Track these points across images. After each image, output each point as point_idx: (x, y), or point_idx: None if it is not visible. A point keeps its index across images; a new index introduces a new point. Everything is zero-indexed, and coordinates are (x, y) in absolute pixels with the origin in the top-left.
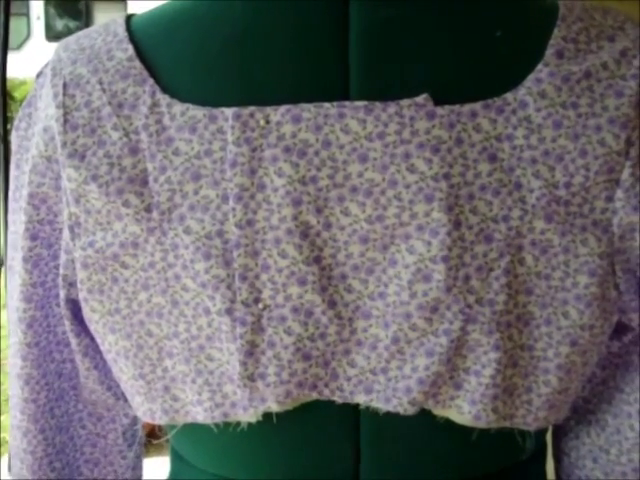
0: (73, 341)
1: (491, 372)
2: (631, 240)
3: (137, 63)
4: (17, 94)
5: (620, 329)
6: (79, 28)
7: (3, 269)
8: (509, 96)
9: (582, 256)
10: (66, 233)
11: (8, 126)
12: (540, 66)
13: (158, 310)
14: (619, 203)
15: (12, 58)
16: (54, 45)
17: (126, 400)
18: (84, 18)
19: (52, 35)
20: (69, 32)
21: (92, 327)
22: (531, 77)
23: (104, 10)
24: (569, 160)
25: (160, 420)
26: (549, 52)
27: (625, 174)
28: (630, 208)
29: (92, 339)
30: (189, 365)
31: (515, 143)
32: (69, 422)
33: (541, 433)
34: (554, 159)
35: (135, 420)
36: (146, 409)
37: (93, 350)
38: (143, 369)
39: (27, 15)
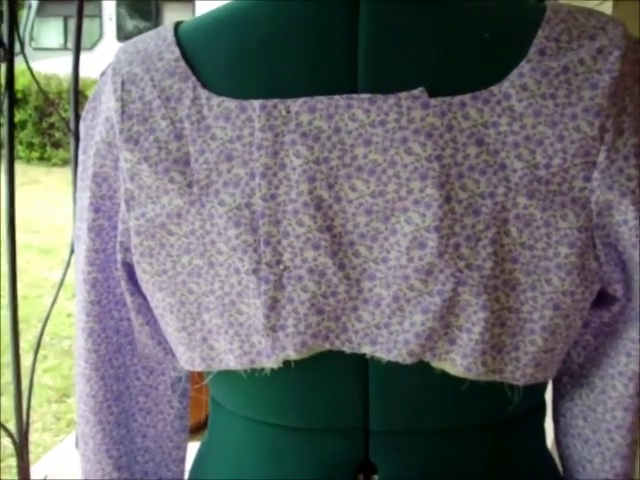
0: (128, 299)
1: (480, 329)
2: (609, 216)
3: (182, 63)
4: (90, 93)
5: (608, 300)
6: (149, 28)
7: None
8: (494, 89)
9: (562, 229)
10: (123, 206)
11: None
12: (523, 62)
13: (197, 270)
14: (596, 183)
15: (85, 58)
16: None
17: (174, 355)
18: (154, 18)
19: (123, 35)
20: (139, 32)
21: (143, 286)
22: (515, 72)
23: (173, 10)
24: (548, 144)
25: (199, 367)
26: (532, 50)
27: (601, 157)
28: (606, 187)
29: (144, 298)
30: (223, 318)
31: (500, 129)
32: (126, 373)
33: (536, 391)
34: (534, 143)
35: (182, 374)
36: (187, 357)
37: (145, 308)
38: (185, 322)
39: (99, 16)
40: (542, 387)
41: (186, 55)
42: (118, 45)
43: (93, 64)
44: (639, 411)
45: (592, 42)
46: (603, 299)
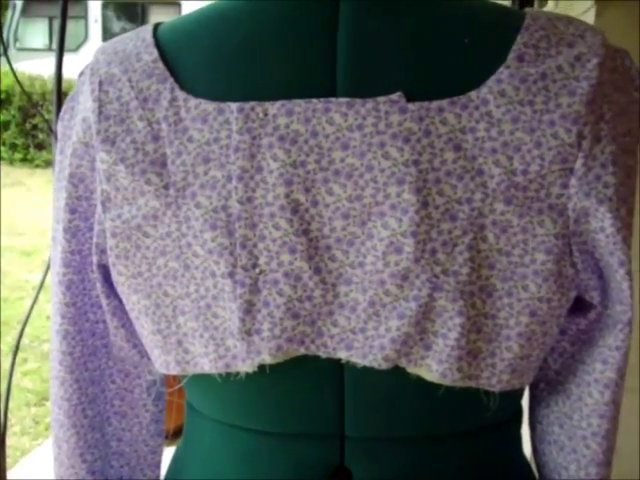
0: (104, 302)
1: (456, 335)
2: (586, 223)
3: (160, 64)
4: None
5: (585, 307)
6: None
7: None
8: (473, 94)
9: (539, 236)
10: (99, 207)
11: None
12: (502, 68)
13: (173, 273)
14: (573, 190)
15: (70, 60)
16: None
17: (149, 358)
18: (140, 21)
19: (109, 38)
20: None
21: (119, 289)
22: (493, 78)
23: (159, 13)
24: (525, 150)
25: (173, 370)
26: (511, 56)
27: (578, 164)
28: (583, 194)
29: (120, 301)
30: (198, 321)
31: (477, 135)
32: (101, 376)
33: (513, 398)
34: (512, 149)
35: (157, 378)
36: (162, 361)
37: (121, 311)
38: (160, 325)
39: (85, 18)
40: (518, 394)
41: (165, 56)
42: None
43: (78, 66)
44: (615, 419)
45: (570, 49)
46: (580, 306)
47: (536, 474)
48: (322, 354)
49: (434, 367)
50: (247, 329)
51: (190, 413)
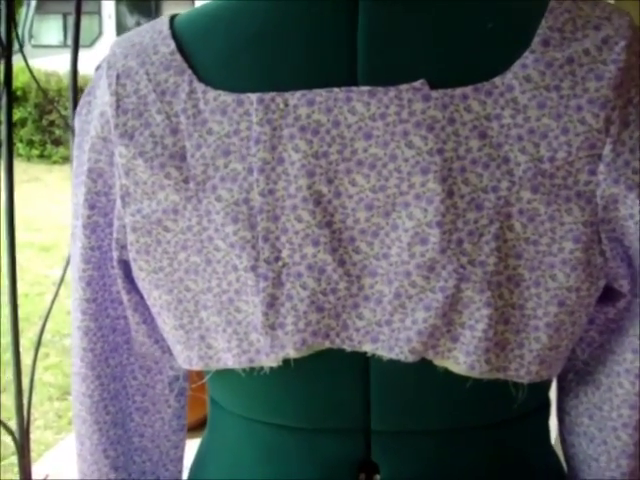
0: (125, 297)
1: (483, 327)
2: (615, 211)
3: (178, 56)
4: None
5: (614, 296)
6: None
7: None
8: (497, 80)
9: (567, 224)
10: (118, 202)
11: None
12: (527, 53)
13: (195, 268)
14: (601, 176)
15: (84, 55)
16: None
17: (171, 354)
18: (154, 16)
19: (123, 33)
20: None
21: (140, 284)
22: (518, 63)
23: (173, 7)
24: (552, 137)
25: (196, 366)
26: (536, 40)
27: (606, 150)
28: (612, 181)
29: (141, 296)
30: (221, 316)
31: (503, 122)
32: (122, 372)
33: (541, 389)
34: (539, 136)
35: (180, 373)
36: (185, 356)
37: (142, 306)
38: (182, 320)
39: (99, 13)
40: (546, 385)
41: (182, 48)
42: None
43: (93, 61)
44: None
45: (597, 32)
46: (608, 295)
47: (564, 465)
48: (347, 347)
49: (462, 359)
50: (271, 323)
51: (213, 408)
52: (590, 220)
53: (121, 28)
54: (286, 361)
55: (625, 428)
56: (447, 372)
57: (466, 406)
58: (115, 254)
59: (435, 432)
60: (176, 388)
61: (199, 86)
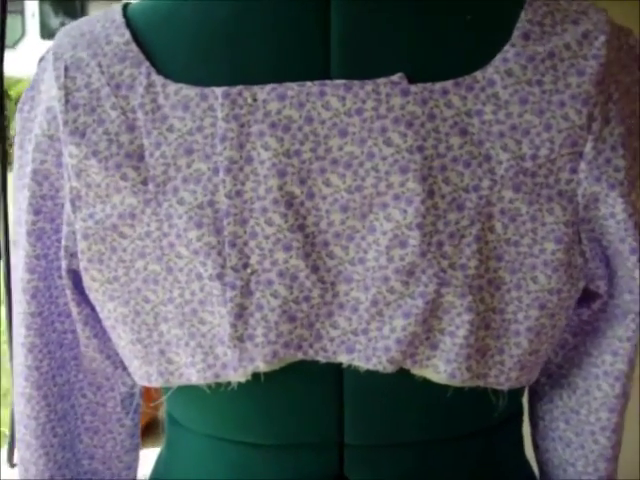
0: (74, 310)
1: (464, 333)
2: (595, 210)
3: (133, 47)
4: (12, 92)
5: (589, 297)
6: None
7: (2, 262)
8: (478, 74)
9: (549, 224)
10: (67, 206)
11: (5, 123)
12: (507, 47)
13: (154, 277)
14: (582, 174)
15: (7, 57)
16: (49, 43)
17: (124, 369)
18: (79, 16)
19: (47, 33)
20: None
21: (92, 296)
22: (499, 57)
23: (99, 8)
24: (535, 134)
25: (156, 382)
26: (516, 34)
27: (588, 147)
28: (593, 179)
29: (92, 309)
30: (183, 329)
31: (484, 118)
32: (70, 390)
33: (516, 395)
34: (521, 133)
35: (133, 389)
36: (143, 372)
37: (93, 319)
38: (140, 334)
39: (22, 13)
40: (522, 391)
41: (138, 38)
42: (42, 43)
43: (16, 62)
44: (624, 412)
45: (576, 26)
46: (584, 296)
47: (536, 471)
48: (321, 359)
49: (441, 367)
50: (239, 335)
51: (173, 427)
52: (571, 220)
53: (45, 28)
54: (255, 375)
55: (603, 431)
56: (425, 381)
57: (444, 416)
58: (63, 263)
59: (411, 444)
60: (129, 406)
61: (158, 79)
